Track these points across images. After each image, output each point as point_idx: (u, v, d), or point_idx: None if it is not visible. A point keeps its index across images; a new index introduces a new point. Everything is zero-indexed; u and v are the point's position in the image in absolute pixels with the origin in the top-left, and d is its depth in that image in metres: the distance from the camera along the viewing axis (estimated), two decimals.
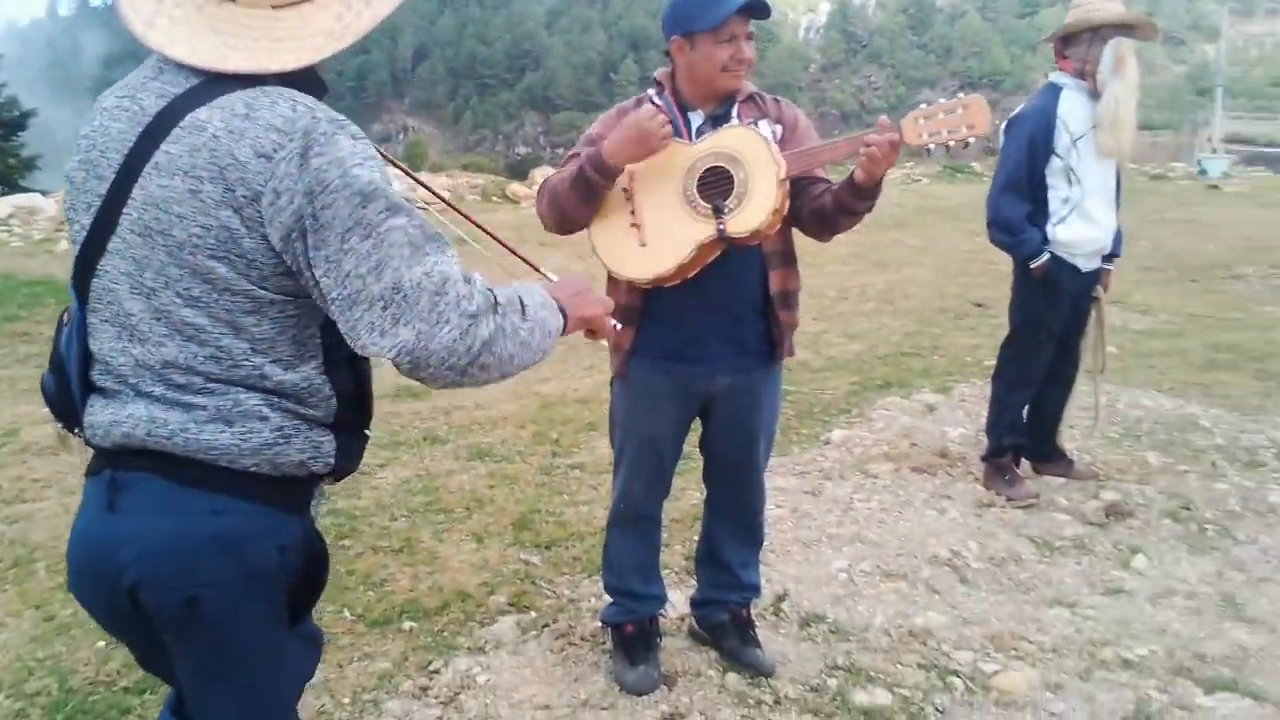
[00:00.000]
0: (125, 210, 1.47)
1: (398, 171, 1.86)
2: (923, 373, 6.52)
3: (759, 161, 2.53)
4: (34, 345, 6.81)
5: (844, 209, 2.61)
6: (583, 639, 3.21)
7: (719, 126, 2.67)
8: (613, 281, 2.78)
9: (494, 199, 16.57)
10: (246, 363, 1.49)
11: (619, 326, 1.82)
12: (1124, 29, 4.16)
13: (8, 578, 3.61)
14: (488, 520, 4.07)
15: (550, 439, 5.10)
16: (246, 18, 1.48)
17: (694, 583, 3.24)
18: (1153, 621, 3.34)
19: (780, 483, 4.50)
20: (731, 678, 2.99)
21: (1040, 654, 3.14)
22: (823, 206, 2.65)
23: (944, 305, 8.86)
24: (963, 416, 5.53)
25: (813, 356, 6.84)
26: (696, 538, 3.23)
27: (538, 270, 1.91)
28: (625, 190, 2.63)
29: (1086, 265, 4.32)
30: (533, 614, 3.36)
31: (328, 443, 1.57)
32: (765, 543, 3.79)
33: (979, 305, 8.61)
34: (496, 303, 1.49)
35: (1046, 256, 4.21)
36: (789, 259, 2.79)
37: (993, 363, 4.66)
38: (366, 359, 1.54)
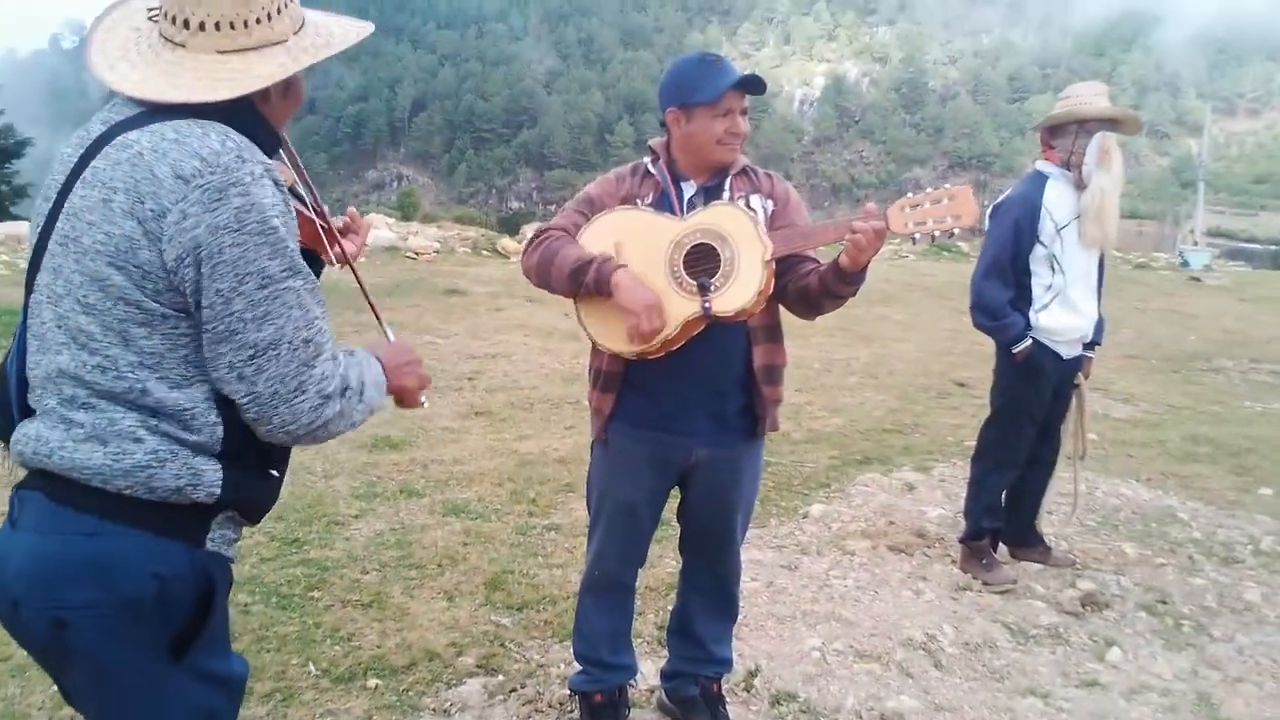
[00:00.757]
0: (56, 225, 1.54)
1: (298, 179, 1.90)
2: (904, 450, 6.52)
3: (746, 241, 2.54)
4: None
5: (829, 292, 2.61)
6: (550, 706, 3.15)
7: (711, 199, 2.68)
8: (596, 349, 2.78)
9: (484, 252, 16.65)
10: (130, 374, 1.50)
11: (426, 404, 1.89)
12: (1109, 123, 4.23)
13: None
14: (460, 579, 4.02)
15: (528, 498, 5.06)
16: (193, 61, 1.57)
17: (666, 653, 3.19)
18: (1127, 717, 3.30)
19: (757, 555, 4.47)
20: None
21: None
22: (808, 287, 2.66)
23: (927, 383, 8.89)
24: (942, 497, 5.52)
25: (794, 428, 6.83)
26: (670, 607, 3.20)
27: (380, 324, 1.94)
28: (623, 264, 2.63)
29: (1068, 352, 4.35)
30: (500, 677, 3.30)
31: (210, 471, 1.55)
32: (739, 616, 3.77)
33: (962, 385, 8.65)
34: (346, 388, 1.58)
35: (1029, 342, 4.24)
36: (774, 334, 2.80)
37: (974, 443, 4.66)
38: None
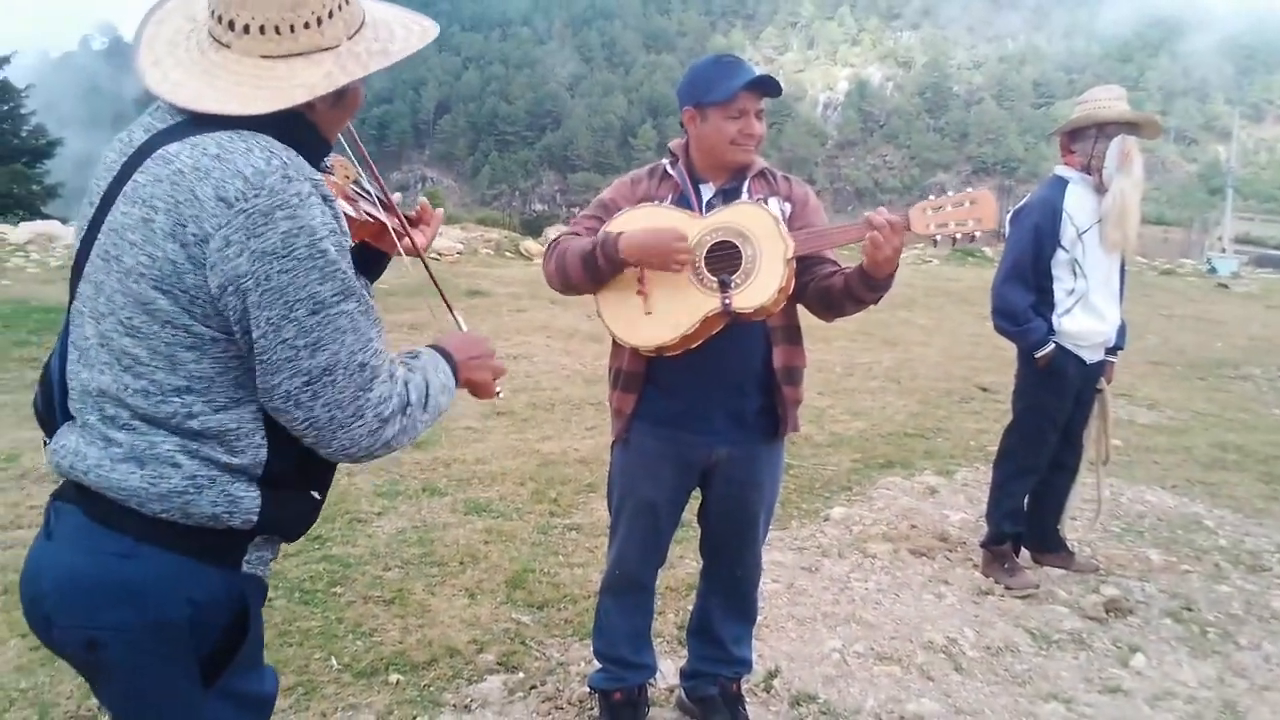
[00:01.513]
0: (98, 236, 1.50)
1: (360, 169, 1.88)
2: (926, 454, 6.49)
3: (768, 239, 2.55)
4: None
5: (852, 295, 2.61)
6: (570, 704, 3.16)
7: (729, 200, 2.69)
8: (616, 346, 2.79)
9: (507, 254, 16.69)
10: (176, 399, 1.47)
11: (502, 394, 1.86)
12: (1129, 127, 4.21)
13: None
14: (481, 576, 4.04)
15: (549, 498, 5.07)
16: (237, 64, 1.50)
17: (685, 653, 3.20)
18: None
19: (778, 557, 4.47)
20: None
21: None
22: (830, 288, 2.66)
23: (950, 387, 8.85)
24: (964, 501, 5.50)
25: (816, 431, 6.82)
26: (690, 607, 3.20)
27: (452, 313, 1.93)
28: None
29: (1091, 357, 4.33)
30: (521, 675, 3.32)
31: (249, 498, 1.51)
32: (760, 618, 3.77)
33: (984, 389, 8.61)
34: (408, 403, 1.54)
35: (1052, 347, 4.22)
36: (794, 335, 2.80)
37: (996, 448, 4.64)
38: None
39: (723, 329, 2.60)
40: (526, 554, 4.32)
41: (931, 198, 2.57)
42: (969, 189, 2.59)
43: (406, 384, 1.55)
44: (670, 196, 2.74)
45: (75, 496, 1.52)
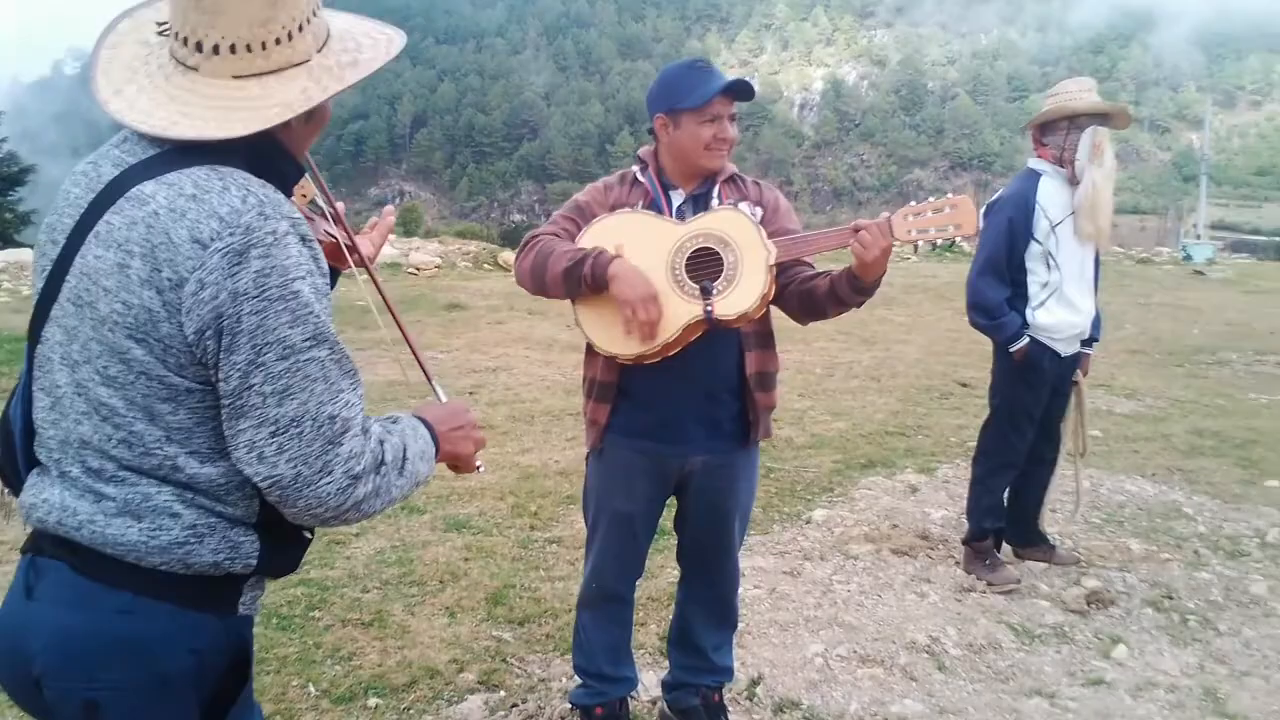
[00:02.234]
0: (67, 278, 1.43)
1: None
2: (906, 452, 6.50)
3: (750, 246, 2.54)
4: None
5: (837, 298, 2.60)
6: None
7: (699, 206, 2.69)
8: (591, 355, 2.78)
9: (485, 266, 16.67)
10: (159, 452, 1.41)
11: (483, 469, 1.77)
12: (1099, 118, 4.23)
13: None
14: (461, 594, 4.01)
15: (529, 511, 5.05)
16: (207, 87, 1.44)
17: (668, 663, 3.18)
18: (1133, 715, 3.28)
19: (760, 562, 4.46)
20: None
21: None
22: (813, 290, 2.65)
23: (930, 384, 8.87)
24: (945, 498, 5.50)
25: (797, 433, 6.82)
26: (671, 617, 3.18)
27: (430, 384, 1.85)
28: (617, 254, 2.63)
29: (1066, 350, 4.34)
30: (502, 693, 3.29)
31: (249, 543, 1.47)
32: (741, 624, 3.76)
33: (964, 385, 8.63)
34: (381, 463, 1.45)
35: (1026, 340, 4.22)
36: (767, 340, 2.79)
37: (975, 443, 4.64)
38: None
39: (701, 336, 2.59)
40: (507, 570, 4.30)
41: (912, 204, 2.58)
42: (949, 194, 2.60)
43: (382, 443, 1.46)
44: (640, 203, 2.73)
45: (58, 552, 1.45)
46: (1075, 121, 4.21)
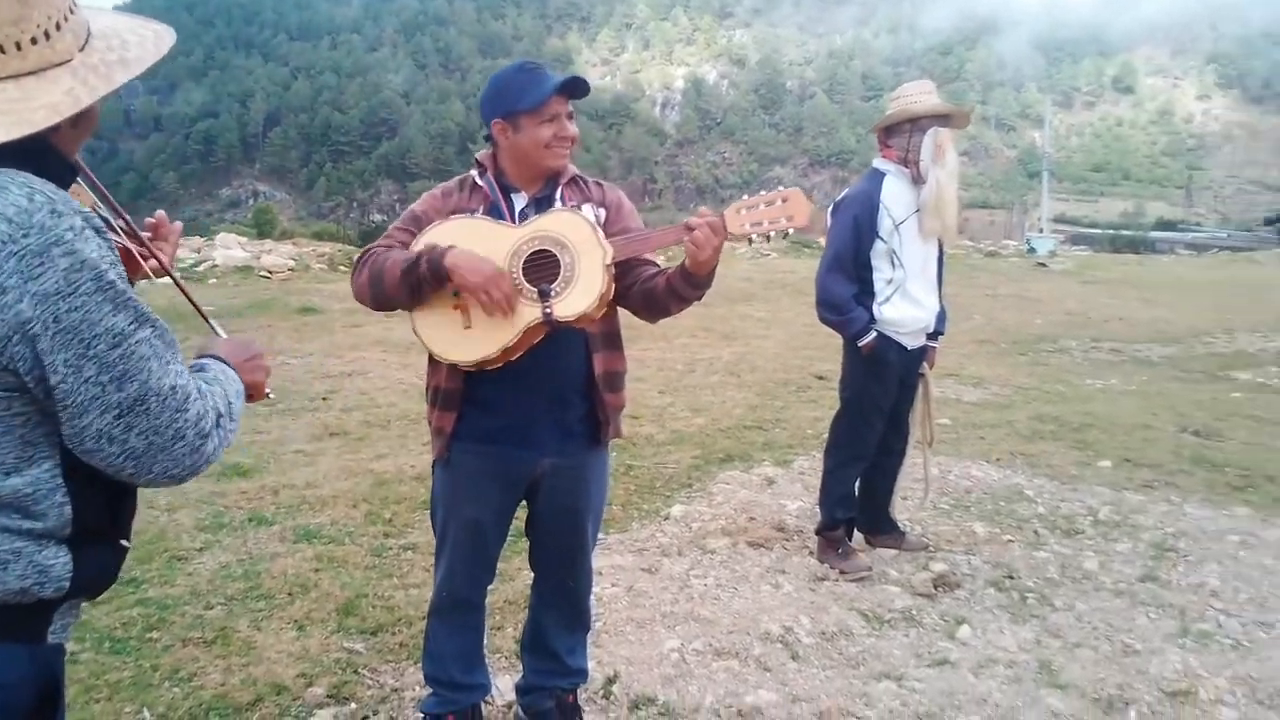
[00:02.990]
0: None
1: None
2: (764, 446, 6.61)
3: (586, 246, 2.53)
4: None
5: (676, 294, 2.62)
6: None
7: (543, 209, 2.66)
8: (434, 364, 2.72)
9: (340, 268, 16.26)
10: None
11: (272, 394, 1.82)
12: (940, 119, 4.37)
13: None
14: (311, 606, 3.89)
15: (383, 519, 4.94)
16: None
17: (522, 667, 3.15)
18: (975, 692, 3.39)
19: (618, 560, 4.46)
20: None
21: None
22: (653, 289, 2.66)
23: (787, 378, 9.05)
24: (801, 490, 5.61)
25: (657, 430, 6.87)
26: None
27: (210, 325, 1.85)
28: (450, 245, 2.57)
29: (912, 343, 4.47)
30: (353, 705, 3.20)
31: (60, 564, 1.40)
32: (599, 623, 3.76)
33: (820, 378, 8.83)
34: (220, 414, 1.48)
35: (874, 335, 4.33)
36: (614, 341, 2.79)
37: None
38: None
39: (543, 339, 2.57)
40: (360, 579, 4.19)
41: (745, 197, 2.60)
42: (780, 188, 2.63)
43: (212, 395, 1.49)
44: (481, 208, 2.69)
45: None
46: (917, 124, 4.34)
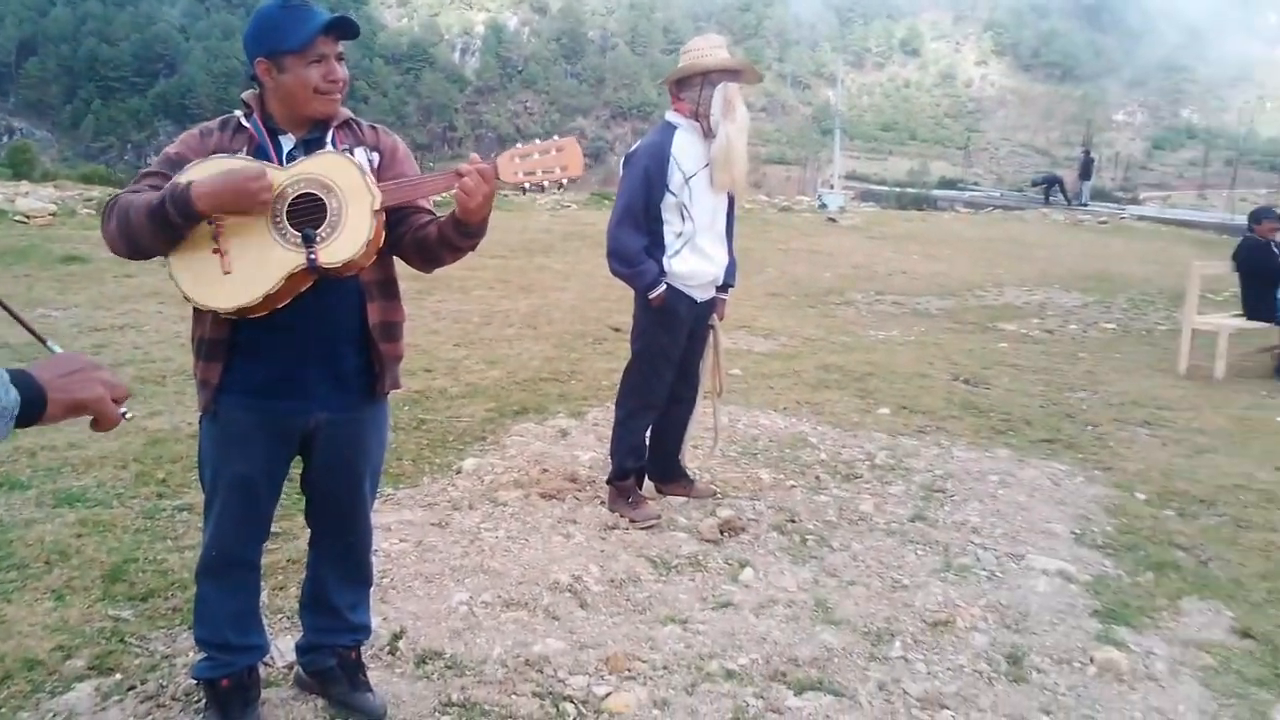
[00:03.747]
0: None
1: None
2: (559, 398, 6.62)
3: (353, 191, 2.44)
4: None
5: (448, 244, 2.58)
6: (174, 699, 2.93)
7: (312, 151, 2.55)
8: (199, 313, 2.58)
9: None
10: None
11: (129, 416, 1.62)
12: (731, 74, 4.43)
13: None
14: (72, 574, 3.64)
15: (156, 479, 4.67)
16: None
17: (302, 626, 3.05)
18: (755, 631, 3.53)
19: (407, 515, 4.39)
20: None
21: (651, 672, 3.23)
22: (425, 238, 2.61)
23: (584, 330, 9.09)
24: (594, 440, 5.66)
25: (451, 383, 6.77)
26: None
27: (41, 341, 1.67)
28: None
29: (702, 296, 4.55)
30: (118, 676, 3.03)
31: None
32: (386, 579, 3.71)
33: (616, 330, 8.90)
34: None
35: (664, 287, 4.38)
36: (390, 289, 2.71)
37: None
38: None
39: (311, 286, 2.46)
40: (129, 543, 3.95)
41: (519, 145, 2.56)
42: (555, 137, 2.60)
43: None
44: (245, 150, 2.55)
45: None
46: (708, 78, 4.38)
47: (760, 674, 3.24)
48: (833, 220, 23.57)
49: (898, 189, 43.17)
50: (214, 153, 2.53)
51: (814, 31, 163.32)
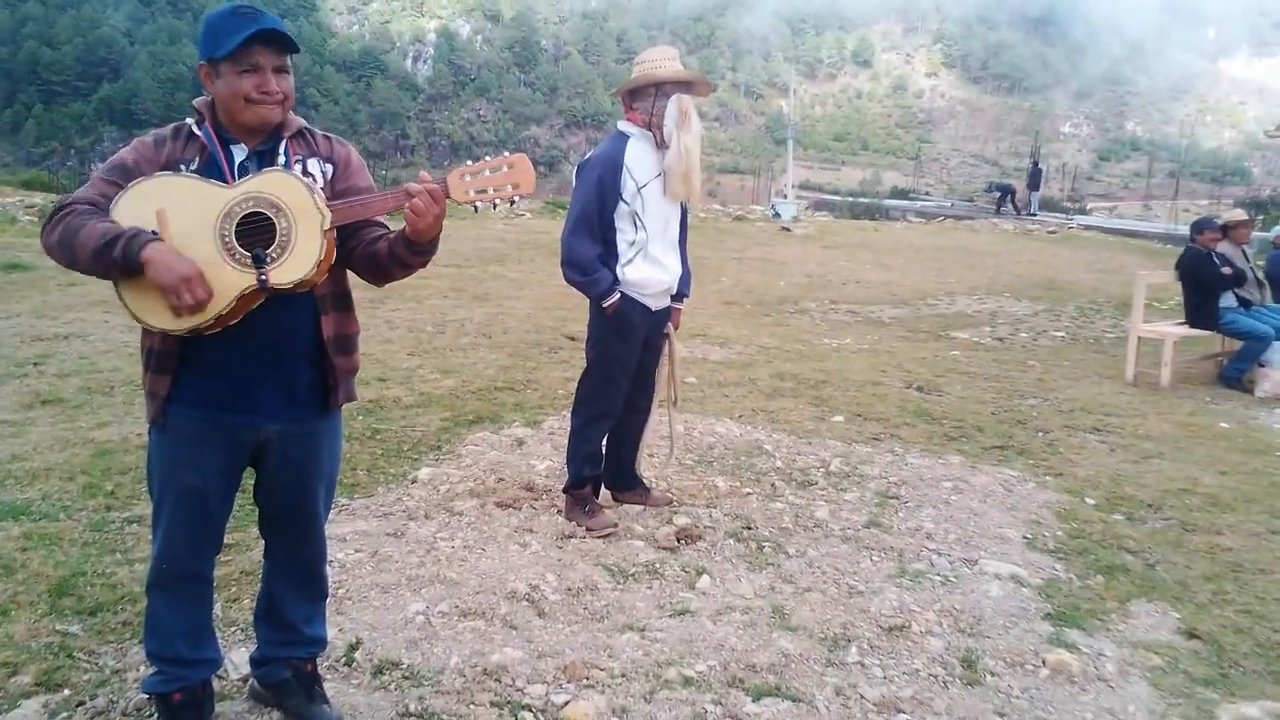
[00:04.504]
0: None
1: None
2: (515, 406, 6.61)
3: (303, 210, 2.42)
4: None
5: (398, 260, 2.58)
6: (125, 715, 2.89)
7: (265, 164, 2.53)
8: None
9: None
10: None
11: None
12: (684, 86, 4.46)
13: None
14: (17, 589, 3.57)
15: (105, 491, 4.59)
16: None
17: (256, 639, 3.02)
18: (712, 638, 3.54)
19: (362, 526, 4.36)
20: None
21: (610, 680, 3.23)
22: (376, 254, 2.60)
23: (539, 338, 9.08)
24: (550, 449, 5.65)
25: (405, 393, 6.73)
26: None
27: None
28: (155, 234, 2.39)
29: (656, 304, 4.57)
30: (66, 692, 2.98)
31: None
32: (341, 590, 3.68)
33: (572, 338, 8.89)
34: None
35: (618, 296, 4.40)
36: (344, 302, 2.70)
37: None
38: None
39: (264, 302, 2.44)
40: (76, 556, 3.89)
41: (469, 163, 2.56)
42: (505, 153, 2.60)
43: None
44: (198, 160, 2.52)
45: None
46: (662, 89, 4.40)
47: (718, 680, 3.25)
48: (786, 229, 23.74)
49: (850, 198, 43.64)
50: (166, 164, 2.50)
51: (766, 42, 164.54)
